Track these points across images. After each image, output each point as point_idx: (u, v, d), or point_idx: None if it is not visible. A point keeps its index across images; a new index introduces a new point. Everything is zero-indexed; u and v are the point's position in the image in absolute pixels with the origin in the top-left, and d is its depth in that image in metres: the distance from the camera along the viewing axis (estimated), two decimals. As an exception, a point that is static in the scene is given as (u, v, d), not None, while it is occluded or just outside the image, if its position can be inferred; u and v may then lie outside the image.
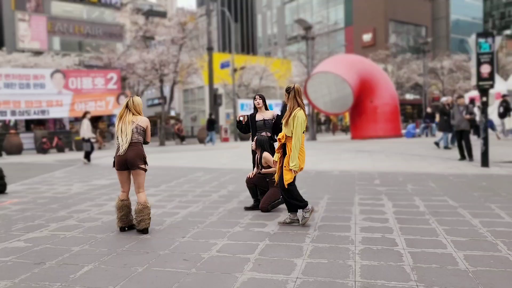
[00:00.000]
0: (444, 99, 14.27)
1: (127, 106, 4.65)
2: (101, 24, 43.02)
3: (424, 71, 38.27)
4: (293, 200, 4.68)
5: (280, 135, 4.77)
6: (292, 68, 43.62)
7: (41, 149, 19.40)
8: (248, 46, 77.41)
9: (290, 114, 4.60)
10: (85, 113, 13.34)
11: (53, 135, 21.16)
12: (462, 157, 10.75)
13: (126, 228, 4.70)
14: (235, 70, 31.98)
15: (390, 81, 24.06)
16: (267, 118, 5.67)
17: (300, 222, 4.72)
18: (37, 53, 35.09)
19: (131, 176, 4.71)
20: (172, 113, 41.95)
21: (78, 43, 41.65)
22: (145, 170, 4.68)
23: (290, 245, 3.99)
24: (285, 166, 4.64)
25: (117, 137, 4.58)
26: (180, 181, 8.51)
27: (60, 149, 20.20)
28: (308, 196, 6.36)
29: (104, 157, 15.89)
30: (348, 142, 21.26)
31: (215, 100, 28.34)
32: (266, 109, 5.79)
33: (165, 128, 27.11)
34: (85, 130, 13.01)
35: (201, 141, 26.07)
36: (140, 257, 3.76)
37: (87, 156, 13.30)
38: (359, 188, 7.08)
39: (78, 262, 3.65)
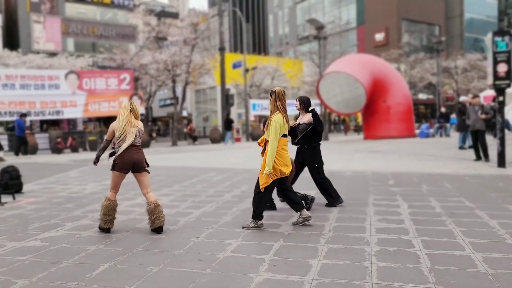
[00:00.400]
0: (463, 99, 14.06)
1: (131, 110, 4.72)
2: (114, 25, 43.43)
3: (437, 70, 37.83)
4: (256, 206, 4.66)
5: (259, 140, 4.85)
6: (303, 68, 43.48)
7: (56, 149, 19.65)
8: (260, 46, 77.40)
9: (270, 118, 4.66)
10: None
11: (67, 135, 21.42)
12: (478, 158, 10.59)
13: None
14: (246, 70, 31.99)
15: (403, 80, 23.83)
16: (302, 122, 5.59)
17: (243, 225, 4.75)
18: (52, 54, 35.56)
19: (133, 178, 4.73)
20: (184, 114, 42.15)
21: (91, 44, 42.11)
22: (149, 171, 4.88)
23: (305, 246, 3.97)
24: (260, 170, 4.68)
25: (122, 140, 4.64)
26: (193, 181, 8.53)
27: (74, 149, 20.44)
28: (321, 197, 6.30)
29: (118, 157, 16.01)
30: (360, 142, 21.11)
31: (227, 100, 28.37)
32: (307, 111, 5.65)
33: (177, 128, 27.24)
34: None
35: (213, 141, 26.13)
36: (155, 257, 3.77)
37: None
38: (373, 189, 7.02)
39: (94, 262, 3.67)
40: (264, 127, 4.91)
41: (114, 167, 4.70)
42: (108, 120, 33.33)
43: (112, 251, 3.98)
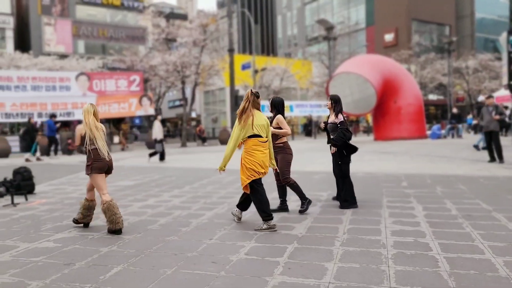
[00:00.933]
0: (481, 99, 13.86)
1: (94, 113, 4.86)
2: (124, 27, 43.69)
3: (448, 71, 37.47)
4: (258, 208, 4.73)
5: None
6: (313, 69, 43.34)
7: (66, 150, 19.78)
8: (268, 47, 77.35)
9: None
10: (157, 115, 13.61)
11: (78, 136, 21.53)
12: (492, 159, 10.42)
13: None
14: (256, 72, 31.96)
15: (414, 81, 23.60)
16: (329, 122, 5.78)
17: (255, 227, 4.72)
18: (63, 56, 35.86)
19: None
20: (193, 115, 42.25)
21: (101, 46, 42.40)
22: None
23: (320, 249, 3.90)
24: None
25: (93, 143, 4.76)
26: (204, 183, 8.50)
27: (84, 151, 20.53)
28: (332, 198, 6.26)
29: (128, 158, 16.08)
30: (371, 143, 20.94)
31: (236, 101, 28.36)
32: (336, 111, 5.70)
33: (186, 130, 27.29)
34: (157, 131, 13.31)
35: (223, 142, 26.12)
36: (168, 259, 3.73)
37: (162, 156, 13.64)
38: (386, 191, 6.93)
39: (107, 263, 3.65)
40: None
41: (92, 171, 4.77)
42: (117, 121, 33.56)
43: (125, 252, 3.95)
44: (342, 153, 5.69)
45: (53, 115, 17.77)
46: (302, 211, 5.45)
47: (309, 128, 32.48)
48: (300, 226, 4.79)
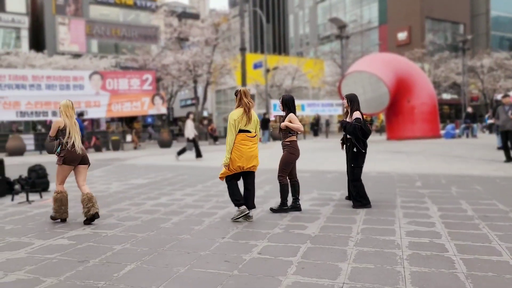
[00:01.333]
0: (500, 97, 13.62)
1: (72, 109, 5.29)
2: (137, 27, 43.99)
3: (463, 69, 36.97)
4: (231, 195, 5.11)
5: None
6: (324, 68, 43.14)
7: (80, 148, 19.99)
8: (280, 46, 77.20)
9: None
10: (189, 114, 13.73)
11: (91, 135, 21.76)
12: (508, 159, 10.24)
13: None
14: (267, 71, 31.92)
15: (428, 80, 23.31)
16: (347, 121, 5.79)
17: (232, 217, 5.11)
18: (76, 55, 36.27)
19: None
20: (205, 114, 42.38)
21: (114, 45, 42.75)
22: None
23: (333, 249, 3.87)
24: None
25: (68, 137, 5.14)
26: (216, 181, 8.50)
27: (98, 149, 20.74)
28: (344, 198, 6.21)
29: (140, 157, 16.19)
30: (383, 142, 20.76)
31: (248, 100, 28.41)
32: (353, 110, 5.69)
33: (198, 128, 27.38)
34: (190, 130, 13.40)
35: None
36: (181, 257, 3.74)
37: (198, 154, 13.79)
38: (400, 191, 6.85)
39: (121, 261, 3.66)
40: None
41: (64, 162, 5.14)
42: (130, 120, 33.83)
43: (138, 250, 3.97)
44: (355, 156, 5.60)
45: (81, 114, 18.02)
46: (272, 209, 5.43)
47: (315, 127, 32.23)
48: (313, 225, 4.75)
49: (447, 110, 53.42)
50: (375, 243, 3.99)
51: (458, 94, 46.86)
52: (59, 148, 5.19)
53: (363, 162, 5.69)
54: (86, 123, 18.82)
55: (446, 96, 51.49)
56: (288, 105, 5.45)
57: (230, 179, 5.09)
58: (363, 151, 5.59)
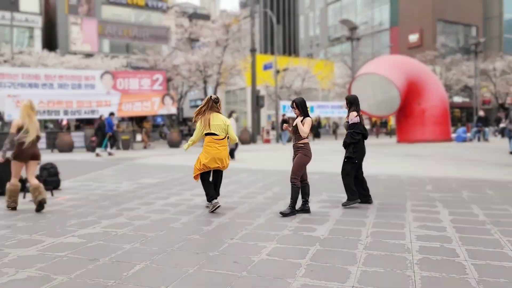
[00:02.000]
0: None
1: (33, 109, 5.91)
2: (148, 27, 44.25)
3: (475, 72, 36.57)
4: (206, 193, 5.76)
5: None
6: (334, 70, 42.97)
7: (91, 147, 20.16)
8: (290, 47, 77.10)
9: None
10: (232, 112, 13.83)
11: (102, 134, 21.89)
12: (521, 164, 10.10)
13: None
14: (277, 72, 31.90)
15: (439, 82, 23.10)
16: (345, 121, 6.14)
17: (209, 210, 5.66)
18: (88, 55, 36.58)
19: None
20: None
21: (126, 46, 43.02)
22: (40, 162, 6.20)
23: (343, 252, 3.85)
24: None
25: (25, 135, 5.74)
26: (225, 182, 8.51)
27: (108, 148, 20.87)
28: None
29: (150, 156, 16.27)
30: (393, 145, 20.63)
31: (258, 101, 28.39)
32: (351, 110, 6.01)
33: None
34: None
35: (244, 142, 26.18)
36: (190, 257, 3.75)
37: (231, 153, 13.72)
38: (410, 194, 6.79)
39: (130, 260, 3.69)
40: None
41: (15, 158, 5.82)
42: (140, 120, 34.03)
43: (148, 250, 3.99)
44: (350, 153, 5.88)
45: (112, 113, 18.23)
46: (282, 212, 5.37)
47: (318, 129, 31.93)
48: (322, 228, 4.74)
49: (459, 113, 52.91)
50: (385, 247, 3.96)
51: (470, 97, 46.36)
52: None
53: (356, 160, 5.90)
54: (116, 121, 19.15)
55: (457, 99, 51.00)
56: (299, 107, 5.44)
57: (203, 179, 5.73)
58: (353, 156, 5.87)
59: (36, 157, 5.92)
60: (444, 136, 21.39)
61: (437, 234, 4.39)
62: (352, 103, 6.00)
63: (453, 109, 48.49)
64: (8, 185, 5.91)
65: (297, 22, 78.38)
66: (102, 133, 16.90)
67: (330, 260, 3.63)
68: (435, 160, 12.37)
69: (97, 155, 16.40)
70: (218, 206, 5.63)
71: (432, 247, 3.93)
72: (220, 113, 5.83)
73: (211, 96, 5.77)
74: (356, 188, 5.94)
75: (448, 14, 56.97)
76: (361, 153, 5.96)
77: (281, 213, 5.37)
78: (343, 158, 5.99)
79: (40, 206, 5.76)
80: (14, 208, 5.97)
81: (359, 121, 5.89)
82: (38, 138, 5.95)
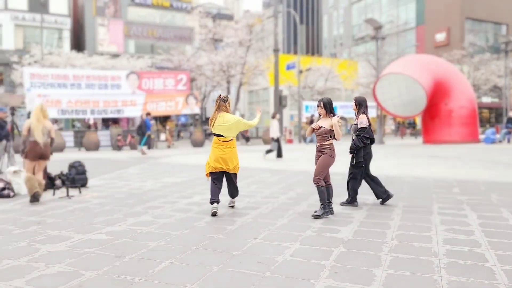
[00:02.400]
0: None
1: (43, 112, 6.53)
2: (172, 28, 44.79)
3: (505, 72, 35.49)
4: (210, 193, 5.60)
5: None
6: (358, 70, 42.48)
7: (116, 146, 20.58)
8: (313, 47, 76.68)
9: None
10: (275, 114, 14.07)
11: (127, 133, 22.35)
12: (553, 167, 9.76)
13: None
14: (300, 72, 31.77)
15: (467, 82, 22.53)
16: (353, 123, 6.08)
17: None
18: (114, 55, 37.32)
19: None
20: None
21: (150, 46, 43.68)
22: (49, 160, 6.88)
23: (367, 254, 3.81)
24: None
25: (33, 134, 6.37)
26: (248, 182, 8.55)
27: (133, 147, 21.26)
28: (380, 202, 6.11)
29: (174, 156, 16.47)
30: (419, 146, 20.25)
31: (280, 101, 28.35)
32: (359, 113, 5.97)
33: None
34: (275, 130, 13.69)
35: (266, 142, 26.19)
36: (214, 256, 3.78)
37: (279, 153, 13.96)
38: (436, 196, 6.66)
39: (156, 258, 3.75)
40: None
41: (26, 157, 6.45)
42: (164, 119, 34.49)
43: (173, 248, 4.04)
44: (360, 158, 5.87)
45: (148, 113, 18.64)
46: (314, 215, 5.28)
47: None
48: (346, 229, 4.70)
49: (487, 114, 51.48)
50: (411, 250, 3.90)
51: (499, 97, 45.04)
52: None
53: (363, 163, 5.94)
54: (153, 122, 19.61)
55: (486, 99, 49.61)
56: (325, 107, 5.39)
57: (212, 179, 5.60)
58: (362, 160, 5.90)
59: (44, 157, 6.52)
60: (472, 137, 20.86)
61: (465, 238, 4.29)
62: (362, 104, 5.94)
63: (482, 110, 47.23)
64: (24, 180, 6.44)
65: (321, 21, 77.87)
66: (143, 132, 17.55)
67: (354, 262, 3.60)
68: (463, 162, 12.08)
69: (143, 152, 16.86)
70: (215, 212, 5.38)
71: (460, 251, 3.84)
72: (229, 112, 5.64)
73: (220, 95, 5.63)
74: (374, 187, 6.03)
75: (477, 12, 55.49)
76: (369, 156, 6.01)
77: (313, 216, 5.27)
78: (350, 162, 6.02)
79: (34, 198, 6.34)
80: (38, 196, 6.42)
81: (368, 124, 5.84)
82: (51, 140, 6.67)
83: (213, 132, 5.58)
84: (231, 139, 5.58)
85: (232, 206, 5.93)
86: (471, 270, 3.37)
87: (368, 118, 5.91)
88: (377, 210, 5.72)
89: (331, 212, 5.48)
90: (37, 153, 6.43)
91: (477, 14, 55.54)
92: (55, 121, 24.37)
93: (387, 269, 3.41)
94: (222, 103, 5.58)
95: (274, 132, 13.63)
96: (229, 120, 5.50)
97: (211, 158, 5.58)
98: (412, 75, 19.48)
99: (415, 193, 7.02)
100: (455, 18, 54.56)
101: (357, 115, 5.95)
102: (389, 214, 5.42)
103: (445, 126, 20.46)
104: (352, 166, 5.98)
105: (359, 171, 5.96)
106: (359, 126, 5.85)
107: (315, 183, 5.32)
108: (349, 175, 6.02)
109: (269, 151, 13.94)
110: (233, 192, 5.85)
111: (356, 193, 6.00)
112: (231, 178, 5.76)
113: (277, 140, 13.75)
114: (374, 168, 10.63)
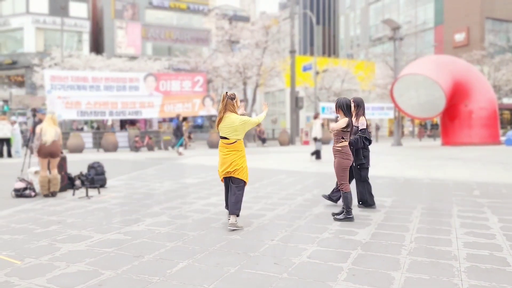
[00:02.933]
0: None
1: (52, 119, 7.49)
2: (189, 30, 45.15)
3: (527, 72, 34.68)
4: None
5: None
6: (376, 71, 42.08)
7: (134, 147, 20.83)
8: (330, 48, 76.29)
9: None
10: (317, 115, 14.13)
11: (144, 134, 22.60)
12: None
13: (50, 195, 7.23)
14: (317, 73, 31.64)
15: (487, 83, 22.10)
16: (354, 125, 5.86)
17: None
18: (132, 58, 37.79)
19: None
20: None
21: (168, 48, 44.13)
22: (61, 157, 7.72)
23: (385, 257, 3.77)
24: None
25: (43, 136, 7.18)
26: (264, 183, 8.55)
27: (150, 148, 21.50)
28: (398, 205, 6.07)
29: (191, 157, 16.59)
30: (438, 148, 19.94)
31: (297, 103, 28.28)
32: (359, 115, 5.94)
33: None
34: (318, 130, 13.70)
35: (282, 143, 26.17)
36: (231, 257, 3.79)
37: (317, 154, 13.92)
38: (456, 199, 6.54)
39: (173, 258, 3.78)
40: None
41: (39, 155, 7.21)
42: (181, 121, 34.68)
43: (190, 248, 4.07)
44: (359, 158, 5.84)
45: (179, 115, 18.94)
46: (335, 217, 5.23)
47: None
48: (364, 231, 4.66)
49: (508, 115, 50.35)
50: (430, 253, 3.85)
51: (521, 98, 44.03)
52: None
53: (368, 164, 5.99)
54: (183, 123, 19.96)
55: (507, 100, 48.55)
56: (342, 108, 5.32)
57: (224, 185, 5.25)
58: (364, 162, 5.90)
59: (54, 155, 7.27)
60: (493, 139, 20.45)
61: (486, 241, 4.21)
62: (360, 105, 5.93)
63: (503, 111, 46.21)
64: (39, 178, 7.22)
65: (337, 22, 77.47)
66: (181, 133, 18.12)
67: (372, 264, 3.56)
68: (483, 164, 11.85)
69: (179, 153, 17.33)
70: (236, 225, 4.79)
71: (481, 255, 3.77)
72: (236, 112, 5.02)
73: (226, 93, 5.00)
74: (362, 190, 5.99)
75: (498, 11, 54.42)
76: (367, 160, 6.02)
77: (334, 218, 5.25)
78: (355, 166, 5.95)
79: (52, 194, 7.23)
80: (47, 195, 7.18)
81: (365, 126, 5.88)
82: (59, 141, 7.42)
83: (219, 134, 5.09)
84: (235, 142, 4.98)
85: (231, 228, 4.83)
86: (493, 274, 3.30)
87: (365, 119, 5.96)
88: (395, 212, 5.65)
89: (351, 219, 5.36)
90: (46, 151, 7.18)
91: (498, 14, 54.47)
92: (74, 122, 24.76)
93: (406, 272, 3.37)
94: (229, 101, 4.96)
95: (317, 133, 13.58)
96: (234, 122, 4.91)
97: (218, 163, 5.17)
98: (430, 76, 19.20)
99: (434, 195, 6.92)
100: (475, 18, 53.60)
101: (357, 116, 5.90)
102: (407, 217, 5.35)
103: (465, 128, 20.11)
104: (358, 169, 5.94)
105: (366, 172, 5.96)
106: (360, 127, 5.83)
107: (340, 189, 5.32)
108: (357, 179, 5.99)
109: (315, 153, 13.83)
110: (230, 203, 4.91)
111: (371, 195, 5.96)
112: (235, 184, 5.00)
113: (319, 141, 13.66)
114: (393, 170, 10.51)
